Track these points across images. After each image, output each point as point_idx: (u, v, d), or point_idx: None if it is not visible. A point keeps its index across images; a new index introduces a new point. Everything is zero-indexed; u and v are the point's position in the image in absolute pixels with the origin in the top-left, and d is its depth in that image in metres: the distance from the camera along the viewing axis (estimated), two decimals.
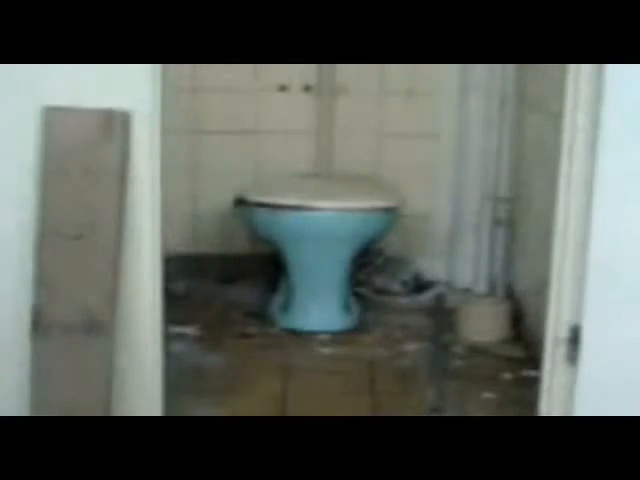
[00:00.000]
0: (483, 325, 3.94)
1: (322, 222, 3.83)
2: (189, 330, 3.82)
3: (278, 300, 4.15)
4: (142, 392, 2.58)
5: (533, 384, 2.79)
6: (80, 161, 2.41)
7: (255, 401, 3.21)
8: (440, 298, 4.31)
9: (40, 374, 2.42)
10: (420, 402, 3.22)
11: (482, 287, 4.33)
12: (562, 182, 2.50)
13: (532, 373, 3.32)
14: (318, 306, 4.01)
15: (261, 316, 4.10)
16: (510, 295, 4.20)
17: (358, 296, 4.25)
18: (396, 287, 4.42)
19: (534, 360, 3.26)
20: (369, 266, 4.39)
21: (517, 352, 3.78)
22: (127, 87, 2.43)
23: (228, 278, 4.41)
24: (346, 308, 4.05)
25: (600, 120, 2.30)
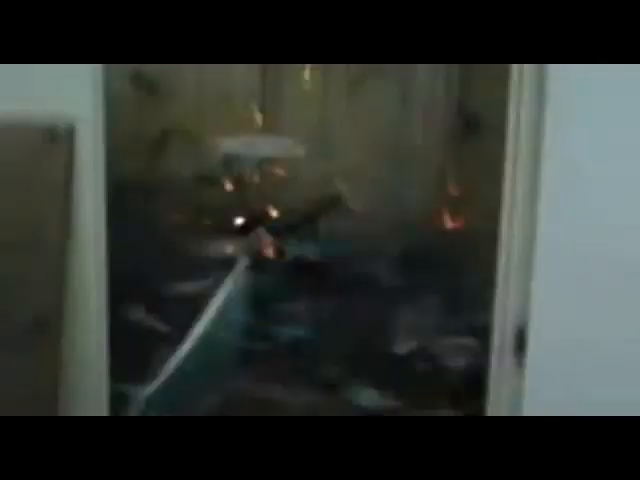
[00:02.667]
0: None
1: None
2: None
3: None
4: (89, 389, 2.57)
5: None
6: (23, 173, 2.38)
7: None
8: None
9: None
10: None
11: None
12: (507, 185, 2.54)
13: None
14: None
15: None
16: None
17: None
18: None
19: None
20: None
21: None
22: (69, 94, 2.39)
23: None
24: None
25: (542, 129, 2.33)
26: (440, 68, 4.21)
